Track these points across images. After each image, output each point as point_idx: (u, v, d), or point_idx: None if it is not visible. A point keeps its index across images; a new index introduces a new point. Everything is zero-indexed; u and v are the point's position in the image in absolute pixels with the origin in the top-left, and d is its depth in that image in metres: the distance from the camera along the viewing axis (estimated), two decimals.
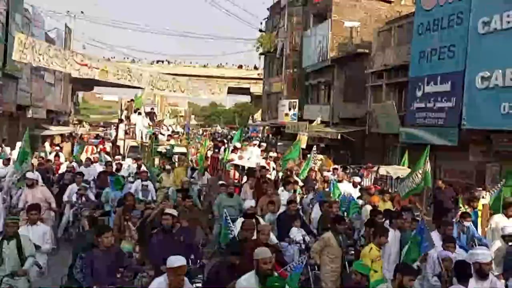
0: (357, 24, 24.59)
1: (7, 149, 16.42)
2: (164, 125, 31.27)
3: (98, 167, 14.32)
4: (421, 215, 7.20)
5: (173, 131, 28.42)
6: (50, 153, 17.66)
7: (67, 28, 36.73)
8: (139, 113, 21.64)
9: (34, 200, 9.46)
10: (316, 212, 9.48)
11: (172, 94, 20.38)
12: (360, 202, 10.13)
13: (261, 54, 38.44)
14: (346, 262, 7.36)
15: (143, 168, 14.00)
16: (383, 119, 19.57)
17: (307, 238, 8.02)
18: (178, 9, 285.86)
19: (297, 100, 28.68)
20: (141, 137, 20.27)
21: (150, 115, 24.37)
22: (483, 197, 10.14)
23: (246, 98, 66.59)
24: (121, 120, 21.94)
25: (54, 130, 29.02)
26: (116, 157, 16.69)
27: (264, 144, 23.26)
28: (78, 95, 59.55)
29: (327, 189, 11.72)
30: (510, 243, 7.09)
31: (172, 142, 20.83)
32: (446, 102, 15.66)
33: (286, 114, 28.80)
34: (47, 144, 21.66)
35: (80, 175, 11.30)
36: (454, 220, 8.49)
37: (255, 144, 20.21)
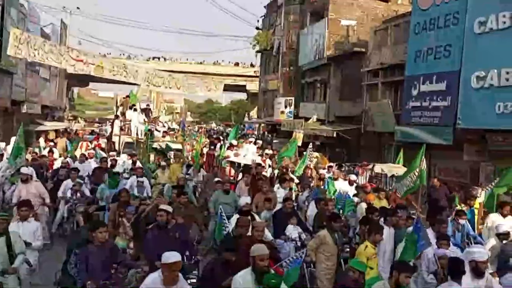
0: (353, 22, 24.62)
1: (2, 144, 16.32)
2: (160, 121, 31.22)
3: (93, 163, 14.28)
4: (417, 213, 7.23)
5: (168, 128, 28.34)
6: (44, 149, 17.59)
7: (63, 24, 36.51)
8: (135, 109, 21.58)
9: (28, 195, 9.42)
10: (312, 210, 9.49)
11: (168, 90, 20.38)
12: (356, 200, 10.16)
13: (257, 51, 38.41)
14: (342, 260, 7.39)
15: (138, 164, 13.98)
16: (379, 117, 19.62)
17: (303, 235, 8.03)
18: (176, 7, 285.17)
19: (293, 98, 28.70)
20: (137, 133, 20.22)
21: (146, 111, 24.32)
22: (479, 196, 10.20)
23: (242, 96, 66.58)
24: (117, 116, 21.88)
25: (48, 125, 28.90)
26: (111, 153, 16.63)
27: (260, 142, 23.27)
28: (74, 91, 59.31)
29: (322, 187, 11.75)
30: (504, 241, 7.15)
31: (167, 138, 20.81)
32: (442, 101, 15.70)
33: (282, 112, 28.83)
34: (41, 140, 21.58)
35: (75, 171, 11.26)
36: (449, 218, 8.52)
37: (251, 141, 20.20)
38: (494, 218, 8.15)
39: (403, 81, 18.22)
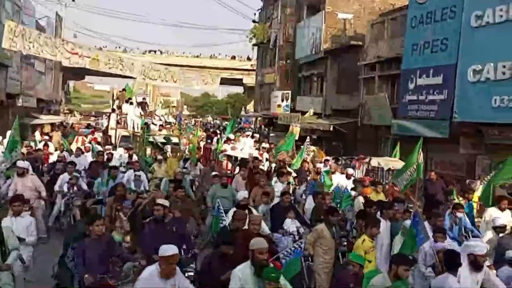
0: (350, 16, 24.55)
1: None
2: (156, 115, 31.16)
3: (89, 157, 14.26)
4: (415, 207, 7.24)
5: (165, 122, 28.30)
6: (39, 142, 17.53)
7: (58, 16, 36.27)
8: (131, 103, 21.53)
9: (24, 189, 9.40)
10: (309, 204, 9.50)
11: (164, 84, 20.30)
12: (353, 193, 10.17)
13: (254, 45, 38.28)
14: (340, 254, 7.40)
15: (135, 158, 13.95)
16: (376, 111, 19.63)
17: (301, 229, 8.02)
18: (173, 0, 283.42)
19: (289, 92, 28.66)
20: (133, 127, 20.17)
21: (142, 105, 24.25)
22: (477, 189, 10.23)
23: (238, 89, 66.46)
24: (113, 110, 21.82)
25: (44, 119, 28.79)
26: (107, 147, 16.60)
27: (257, 135, 23.28)
28: (69, 84, 59.04)
29: (319, 181, 11.74)
30: (501, 234, 7.20)
31: (164, 132, 20.78)
32: (438, 95, 15.72)
33: (279, 106, 28.80)
34: (37, 133, 21.50)
35: (72, 165, 11.22)
36: (447, 211, 8.55)
37: (248, 135, 20.21)
38: (492, 212, 8.19)
39: (399, 75, 18.23)
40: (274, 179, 11.29)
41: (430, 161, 16.61)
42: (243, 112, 46.48)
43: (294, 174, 12.66)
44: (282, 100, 28.67)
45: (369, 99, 20.55)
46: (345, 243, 7.77)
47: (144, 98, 28.18)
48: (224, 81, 41.84)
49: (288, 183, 11.27)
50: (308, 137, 16.33)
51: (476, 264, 5.36)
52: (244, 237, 6.12)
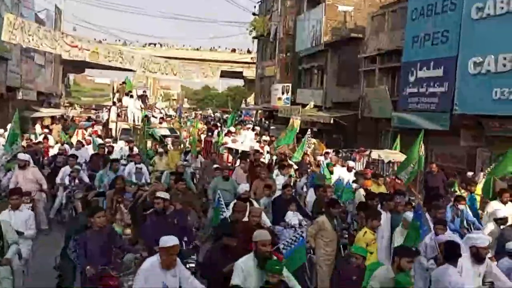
0: (351, 8, 24.44)
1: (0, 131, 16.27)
2: (157, 108, 31.17)
3: (90, 150, 14.27)
4: (418, 200, 7.25)
5: (165, 114, 28.31)
6: (40, 135, 17.56)
7: (57, 9, 36.13)
8: (131, 96, 21.53)
9: (25, 181, 9.43)
10: (311, 196, 9.51)
11: (164, 77, 20.27)
12: (354, 186, 10.18)
13: (254, 37, 38.16)
14: (341, 246, 7.42)
15: (136, 150, 13.96)
16: (376, 103, 19.61)
17: (304, 222, 8.02)
18: None
19: (290, 84, 28.60)
20: (133, 120, 20.18)
21: (142, 98, 24.26)
22: (479, 182, 10.21)
23: (239, 82, 66.33)
24: (114, 103, 21.83)
25: (45, 112, 28.78)
26: (107, 140, 16.61)
27: (258, 128, 23.26)
28: (69, 77, 58.96)
29: (319, 173, 11.75)
30: (502, 226, 7.21)
31: (164, 125, 20.79)
32: (439, 87, 15.70)
33: (279, 98, 28.75)
34: (37, 126, 21.53)
35: (73, 158, 11.22)
36: (449, 204, 8.55)
37: (249, 128, 20.22)
38: (494, 205, 8.18)
39: (400, 67, 18.20)
40: (276, 171, 11.29)
41: (431, 153, 16.62)
42: (243, 105, 46.42)
43: (295, 167, 12.67)
44: (283, 93, 28.62)
45: (369, 92, 20.52)
46: (346, 235, 7.79)
47: (144, 91, 28.18)
48: (224, 74, 41.74)
49: (290, 176, 11.27)
50: (309, 130, 16.34)
51: (478, 256, 5.36)
52: (244, 229, 6.14)
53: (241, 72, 53.93)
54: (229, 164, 14.01)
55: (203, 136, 18.86)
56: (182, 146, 15.58)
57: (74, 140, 16.39)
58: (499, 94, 13.17)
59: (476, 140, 14.68)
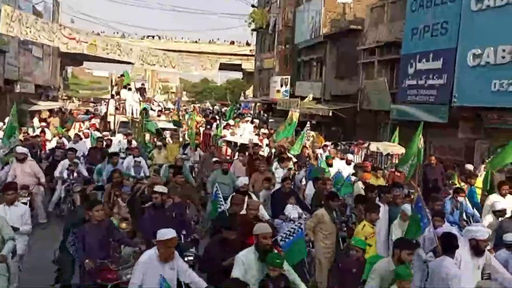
0: (350, 0, 24.32)
1: None
2: (155, 100, 31.08)
3: (88, 143, 14.25)
4: (417, 192, 7.22)
5: (164, 107, 28.24)
6: (37, 128, 17.52)
7: (55, 1, 35.90)
8: (129, 89, 21.45)
9: (23, 175, 9.42)
10: (310, 189, 9.51)
11: (163, 69, 20.23)
12: (353, 178, 10.17)
13: (253, 30, 37.99)
14: (340, 239, 7.42)
15: (134, 143, 13.93)
16: (375, 95, 19.56)
17: (304, 215, 8.01)
18: None
19: (289, 77, 28.51)
20: (132, 113, 20.13)
21: (140, 90, 24.17)
22: (480, 174, 10.19)
23: (237, 75, 66.16)
24: (112, 96, 21.77)
25: (43, 105, 28.68)
26: (104, 133, 16.58)
27: (257, 121, 23.23)
28: (67, 70, 58.68)
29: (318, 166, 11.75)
30: (500, 218, 7.22)
31: (163, 118, 20.74)
32: (438, 79, 15.65)
33: (278, 91, 28.68)
34: (35, 120, 21.47)
35: (72, 151, 11.20)
36: (449, 196, 8.54)
37: (248, 121, 20.18)
38: (494, 198, 8.16)
39: (399, 59, 18.13)
40: (275, 164, 11.28)
41: (429, 145, 16.60)
42: (242, 98, 46.33)
43: (294, 160, 12.65)
44: (281, 86, 28.55)
45: (368, 84, 20.46)
46: (345, 228, 7.78)
47: (142, 84, 28.11)
48: (223, 67, 41.58)
49: (289, 168, 11.26)
50: (308, 123, 16.31)
51: (477, 249, 5.34)
52: (241, 222, 6.13)
53: (240, 65, 53.76)
54: (228, 157, 13.99)
55: (201, 129, 18.82)
56: (181, 140, 15.53)
57: (71, 133, 16.36)
58: (498, 86, 13.13)
59: (474, 132, 14.66)
